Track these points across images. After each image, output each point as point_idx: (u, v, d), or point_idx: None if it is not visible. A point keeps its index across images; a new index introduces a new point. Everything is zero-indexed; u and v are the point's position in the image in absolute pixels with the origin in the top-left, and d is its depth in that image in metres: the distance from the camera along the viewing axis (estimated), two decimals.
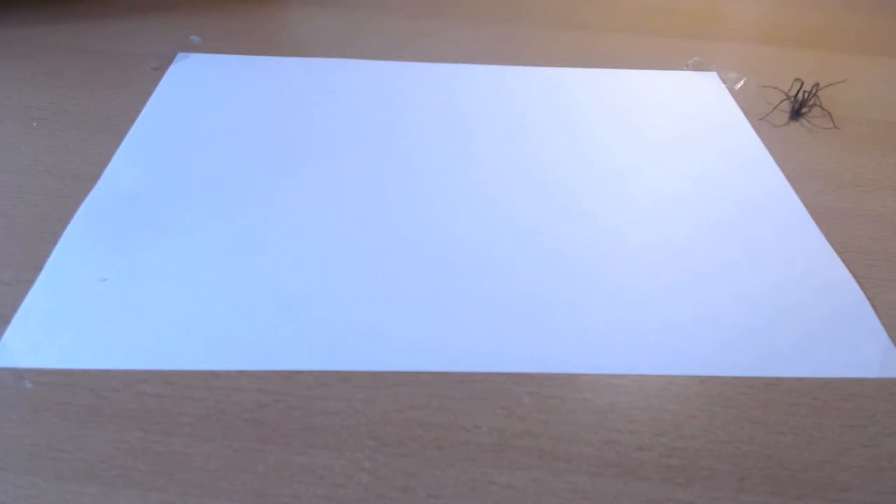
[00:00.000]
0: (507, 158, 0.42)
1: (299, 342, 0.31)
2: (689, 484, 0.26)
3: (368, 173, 0.40)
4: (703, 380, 0.30)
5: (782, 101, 0.49)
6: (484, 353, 0.31)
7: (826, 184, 0.42)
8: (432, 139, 0.43)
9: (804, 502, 0.26)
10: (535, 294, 0.33)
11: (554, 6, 0.62)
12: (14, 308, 0.31)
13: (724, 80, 0.51)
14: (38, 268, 0.33)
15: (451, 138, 0.44)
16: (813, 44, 0.58)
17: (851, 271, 0.35)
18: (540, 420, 0.28)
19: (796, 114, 0.48)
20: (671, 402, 0.29)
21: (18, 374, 0.29)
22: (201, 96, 0.46)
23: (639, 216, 0.38)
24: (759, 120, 0.47)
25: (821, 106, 0.48)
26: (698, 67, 0.53)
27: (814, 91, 0.48)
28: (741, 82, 0.51)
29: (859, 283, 0.35)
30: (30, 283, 0.32)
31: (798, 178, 0.42)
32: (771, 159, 0.43)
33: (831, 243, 0.37)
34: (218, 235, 0.36)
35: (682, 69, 0.53)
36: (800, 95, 0.48)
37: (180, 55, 0.50)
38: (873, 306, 0.34)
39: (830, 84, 0.50)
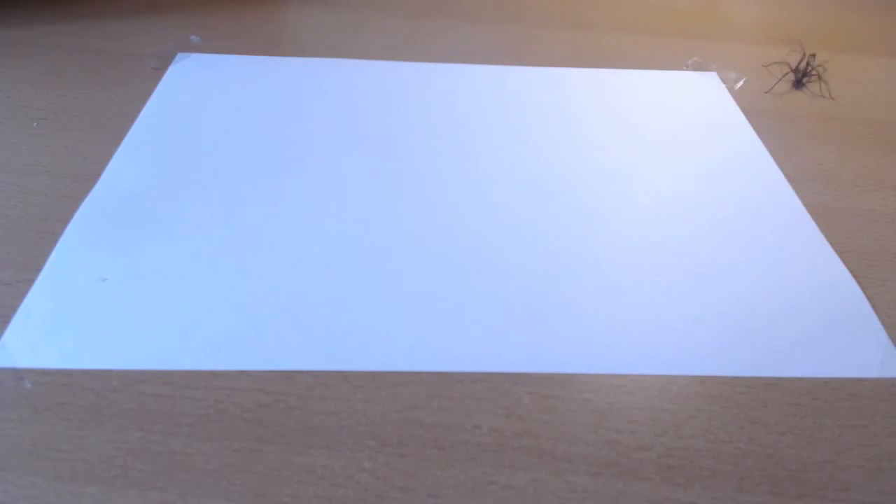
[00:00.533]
0: (507, 158, 0.42)
1: (299, 342, 0.31)
2: (689, 484, 0.26)
3: (368, 173, 0.40)
4: (703, 380, 0.30)
5: (786, 74, 0.52)
6: (483, 353, 0.31)
7: (826, 184, 0.42)
8: (432, 139, 0.43)
9: (804, 502, 0.26)
10: (534, 294, 0.33)
11: (554, 6, 0.62)
12: (14, 308, 0.31)
13: (724, 80, 0.51)
14: (37, 268, 0.33)
15: (451, 138, 0.44)
16: (813, 44, 0.58)
17: (851, 271, 0.35)
18: (540, 420, 0.28)
19: (798, 83, 0.51)
20: (671, 402, 0.29)
21: (18, 374, 0.29)
22: (201, 96, 0.46)
23: (639, 216, 0.38)
24: (764, 93, 0.49)
25: (820, 77, 0.51)
26: (698, 67, 0.53)
27: (812, 63, 0.52)
28: (741, 82, 0.51)
29: (859, 283, 0.35)
30: (30, 283, 0.32)
31: (798, 178, 0.42)
32: (771, 159, 0.43)
33: (831, 243, 0.37)
34: (218, 235, 0.36)
35: (682, 69, 0.53)
36: (801, 65, 0.51)
37: (180, 55, 0.50)
38: (873, 306, 0.34)
39: (824, 62, 0.54)
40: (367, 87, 0.48)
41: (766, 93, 0.49)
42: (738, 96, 0.49)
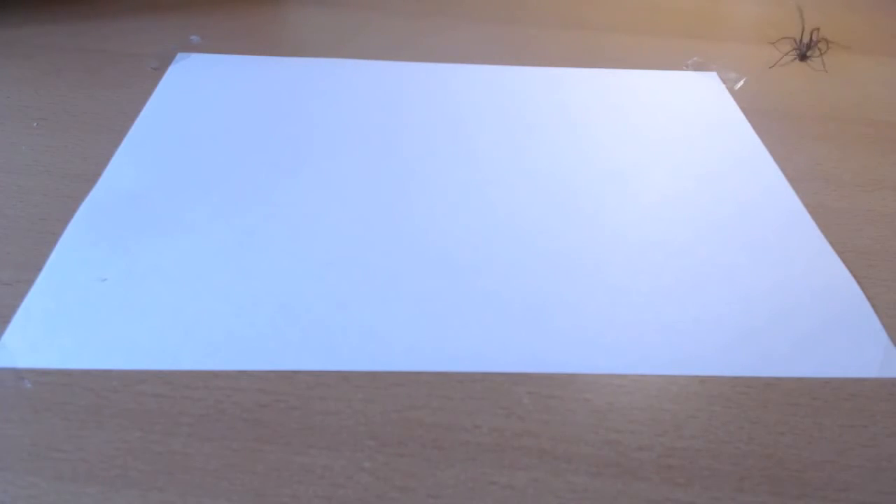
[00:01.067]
0: (507, 158, 0.42)
1: (299, 342, 0.31)
2: (689, 484, 0.26)
3: (368, 173, 0.40)
4: (703, 380, 0.30)
5: (792, 50, 0.55)
6: (483, 353, 0.31)
7: (826, 184, 0.42)
8: (432, 139, 0.43)
9: (804, 502, 0.26)
10: (534, 294, 0.33)
11: (554, 6, 0.62)
12: (14, 308, 0.31)
13: (724, 80, 0.51)
14: (37, 268, 0.33)
15: (451, 138, 0.44)
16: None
17: (851, 271, 0.35)
18: (540, 420, 0.28)
19: (803, 56, 0.54)
20: (671, 402, 0.29)
21: (18, 374, 0.29)
22: (201, 96, 0.46)
23: (639, 216, 0.38)
24: (769, 68, 0.51)
25: (821, 53, 0.54)
26: (698, 67, 0.53)
27: (815, 37, 0.54)
28: (741, 82, 0.51)
29: (859, 283, 0.35)
30: (29, 283, 0.32)
31: (798, 178, 0.42)
32: (771, 159, 0.43)
33: (831, 243, 0.37)
34: (218, 235, 0.36)
35: (682, 69, 0.53)
36: (804, 38, 0.53)
37: (180, 55, 0.50)
38: (873, 306, 0.34)
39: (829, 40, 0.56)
40: (367, 87, 0.48)
41: (770, 68, 0.50)
42: (738, 96, 0.49)
